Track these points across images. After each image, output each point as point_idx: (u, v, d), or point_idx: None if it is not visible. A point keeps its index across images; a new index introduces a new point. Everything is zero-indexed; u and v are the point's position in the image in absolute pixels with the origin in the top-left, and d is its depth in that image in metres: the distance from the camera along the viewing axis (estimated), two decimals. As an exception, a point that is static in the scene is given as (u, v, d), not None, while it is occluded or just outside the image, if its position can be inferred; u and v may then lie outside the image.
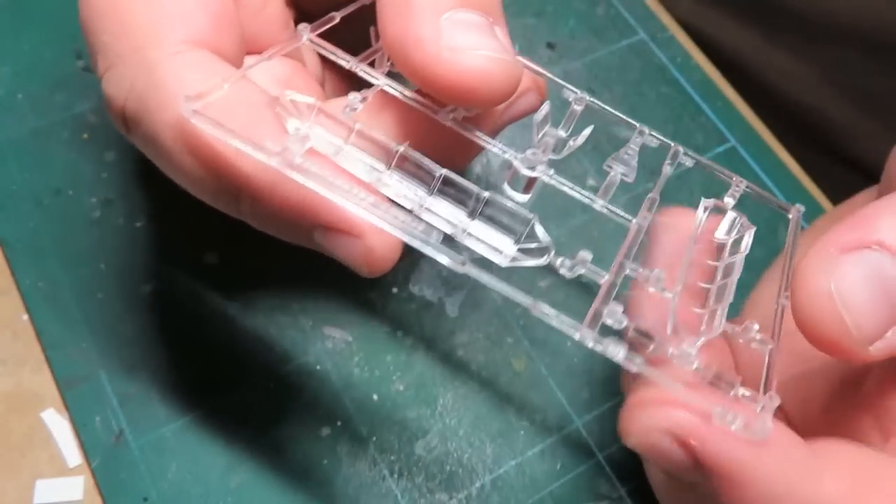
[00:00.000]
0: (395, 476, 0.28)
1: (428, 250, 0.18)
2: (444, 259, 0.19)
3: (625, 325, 0.18)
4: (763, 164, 0.36)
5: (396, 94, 0.22)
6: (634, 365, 0.18)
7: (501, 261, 0.19)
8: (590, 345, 0.18)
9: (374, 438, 0.28)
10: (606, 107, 0.24)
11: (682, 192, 0.35)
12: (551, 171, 0.21)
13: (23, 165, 0.32)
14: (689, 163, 0.23)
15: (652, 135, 0.23)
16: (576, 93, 0.23)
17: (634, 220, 0.21)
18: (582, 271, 0.19)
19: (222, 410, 0.28)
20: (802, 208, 0.24)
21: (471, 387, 0.30)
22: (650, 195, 0.21)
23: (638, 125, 0.23)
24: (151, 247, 0.31)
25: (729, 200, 0.22)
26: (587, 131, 0.22)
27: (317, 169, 0.18)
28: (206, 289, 0.30)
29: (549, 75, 0.24)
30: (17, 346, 0.29)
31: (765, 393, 0.19)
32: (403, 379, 0.29)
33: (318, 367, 0.29)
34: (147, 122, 0.20)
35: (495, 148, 0.22)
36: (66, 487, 0.27)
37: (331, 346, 0.30)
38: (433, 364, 0.30)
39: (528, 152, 0.21)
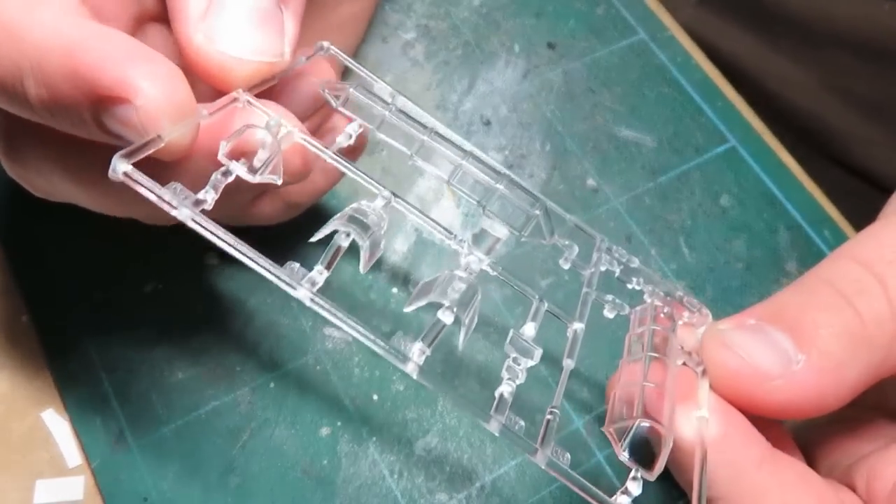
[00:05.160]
0: (395, 476, 0.28)
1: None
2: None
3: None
4: (763, 164, 0.36)
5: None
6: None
7: None
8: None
9: (374, 438, 0.28)
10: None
11: (683, 192, 0.35)
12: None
13: (23, 165, 0.32)
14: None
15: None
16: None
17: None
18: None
19: (222, 410, 0.28)
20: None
21: (470, 387, 0.30)
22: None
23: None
24: (151, 247, 0.30)
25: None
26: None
27: None
28: (206, 289, 0.30)
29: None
30: (17, 346, 0.29)
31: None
32: (403, 379, 0.29)
33: (318, 367, 0.29)
34: None
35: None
36: (67, 487, 0.27)
37: (331, 346, 0.30)
38: (433, 364, 0.30)
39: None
